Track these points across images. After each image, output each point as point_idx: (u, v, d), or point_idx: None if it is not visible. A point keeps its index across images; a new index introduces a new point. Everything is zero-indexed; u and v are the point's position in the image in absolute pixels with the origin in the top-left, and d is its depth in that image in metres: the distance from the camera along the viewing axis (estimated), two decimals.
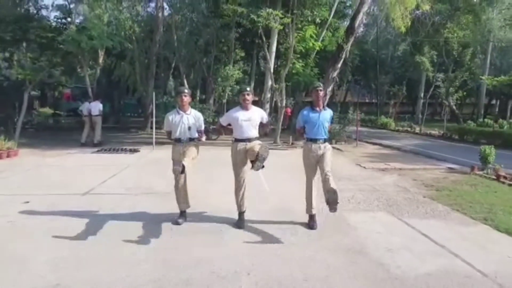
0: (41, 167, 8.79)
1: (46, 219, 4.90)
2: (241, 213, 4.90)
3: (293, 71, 18.10)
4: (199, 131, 5.09)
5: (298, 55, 18.57)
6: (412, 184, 7.53)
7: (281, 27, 13.75)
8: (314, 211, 4.86)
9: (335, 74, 16.52)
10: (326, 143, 4.91)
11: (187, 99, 4.98)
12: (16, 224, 4.72)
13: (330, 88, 16.79)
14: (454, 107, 23.94)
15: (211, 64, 19.17)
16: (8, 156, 9.80)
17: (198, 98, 23.11)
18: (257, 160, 4.34)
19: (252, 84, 23.92)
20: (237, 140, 4.82)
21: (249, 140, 4.77)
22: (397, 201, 6.12)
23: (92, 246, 4.03)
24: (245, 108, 4.86)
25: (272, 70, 16.50)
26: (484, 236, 4.61)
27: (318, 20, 15.97)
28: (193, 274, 3.42)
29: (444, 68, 26.01)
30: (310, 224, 4.82)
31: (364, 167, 9.49)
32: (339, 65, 16.53)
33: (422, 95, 32.15)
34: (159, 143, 12.56)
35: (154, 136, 12.60)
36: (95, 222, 4.82)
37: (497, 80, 25.91)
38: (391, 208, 5.75)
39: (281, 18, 13.00)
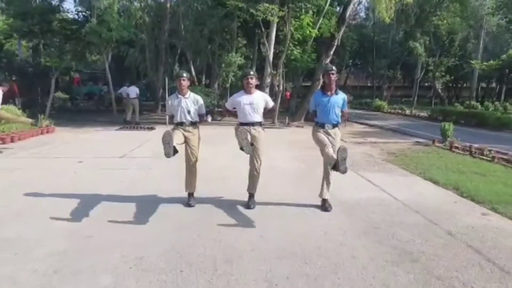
0: (79, 140, 10.76)
1: (99, 171, 6.83)
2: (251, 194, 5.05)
3: (292, 57, 19.73)
4: (200, 115, 5.10)
5: (296, 42, 20.14)
6: (378, 153, 9.39)
7: (278, 20, 15.36)
8: (326, 196, 4.95)
9: (328, 60, 18.17)
10: (336, 129, 4.88)
11: (185, 83, 4.96)
12: (80, 174, 6.64)
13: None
14: (439, 90, 25.51)
15: (215, 51, 20.86)
16: (47, 132, 11.76)
17: (204, 82, 24.91)
18: None
19: (254, 69, 25.62)
20: (241, 124, 4.86)
21: (252, 124, 4.82)
22: (360, 162, 7.99)
23: (135, 187, 5.94)
24: (248, 92, 4.88)
25: (271, 57, 18.17)
26: (412, 182, 6.48)
27: (311, 12, 17.47)
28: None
29: (434, 53, 27.51)
30: (324, 207, 4.90)
31: (345, 141, 11.30)
32: (332, 52, 18.20)
33: (418, 79, 33.75)
34: (172, 123, 14.46)
35: (167, 116, 14.46)
36: (135, 173, 6.75)
37: (485, 64, 27.38)
38: (353, 166, 7.56)
39: (277, 11, 14.65)
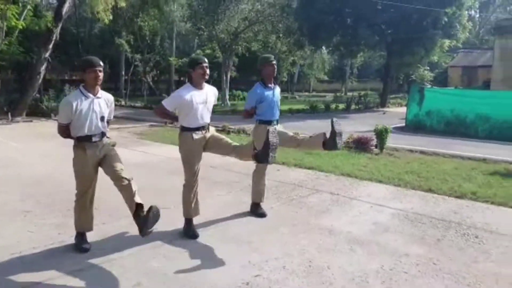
0: None
1: None
2: (191, 219, 3.95)
3: None
4: (108, 121, 3.71)
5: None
6: (128, 134, 11.54)
7: None
8: (263, 199, 4.65)
9: (47, 54, 18.22)
10: (280, 126, 4.42)
11: (102, 75, 3.43)
12: None
13: (43, 67, 18.41)
14: (151, 83, 29.57)
15: None
16: None
17: None
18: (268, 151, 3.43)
19: None
20: (190, 129, 3.73)
21: (203, 128, 3.77)
22: (123, 142, 9.85)
23: None
24: (200, 86, 3.74)
25: None
26: (168, 148, 9.09)
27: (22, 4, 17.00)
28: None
29: (141, 51, 31.16)
30: (260, 212, 4.61)
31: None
32: (50, 46, 18.30)
33: (123, 73, 36.67)
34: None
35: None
36: None
37: (181, 61, 33.24)
38: (124, 145, 9.30)
39: None
